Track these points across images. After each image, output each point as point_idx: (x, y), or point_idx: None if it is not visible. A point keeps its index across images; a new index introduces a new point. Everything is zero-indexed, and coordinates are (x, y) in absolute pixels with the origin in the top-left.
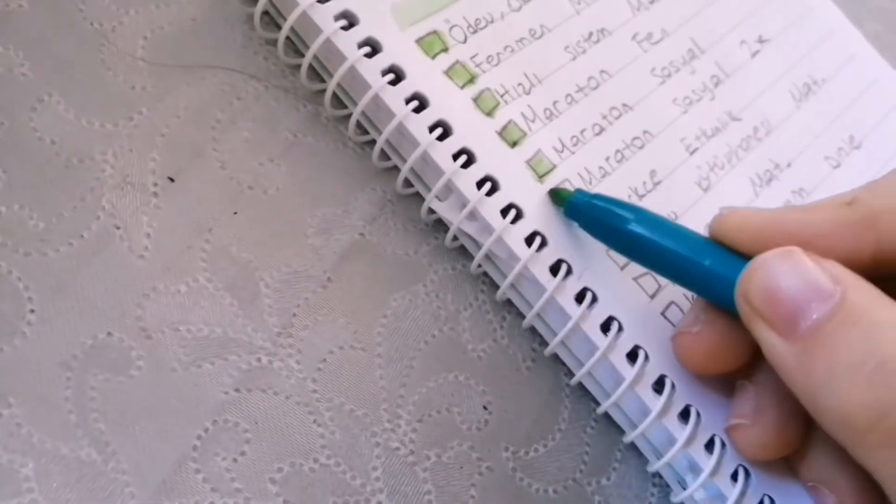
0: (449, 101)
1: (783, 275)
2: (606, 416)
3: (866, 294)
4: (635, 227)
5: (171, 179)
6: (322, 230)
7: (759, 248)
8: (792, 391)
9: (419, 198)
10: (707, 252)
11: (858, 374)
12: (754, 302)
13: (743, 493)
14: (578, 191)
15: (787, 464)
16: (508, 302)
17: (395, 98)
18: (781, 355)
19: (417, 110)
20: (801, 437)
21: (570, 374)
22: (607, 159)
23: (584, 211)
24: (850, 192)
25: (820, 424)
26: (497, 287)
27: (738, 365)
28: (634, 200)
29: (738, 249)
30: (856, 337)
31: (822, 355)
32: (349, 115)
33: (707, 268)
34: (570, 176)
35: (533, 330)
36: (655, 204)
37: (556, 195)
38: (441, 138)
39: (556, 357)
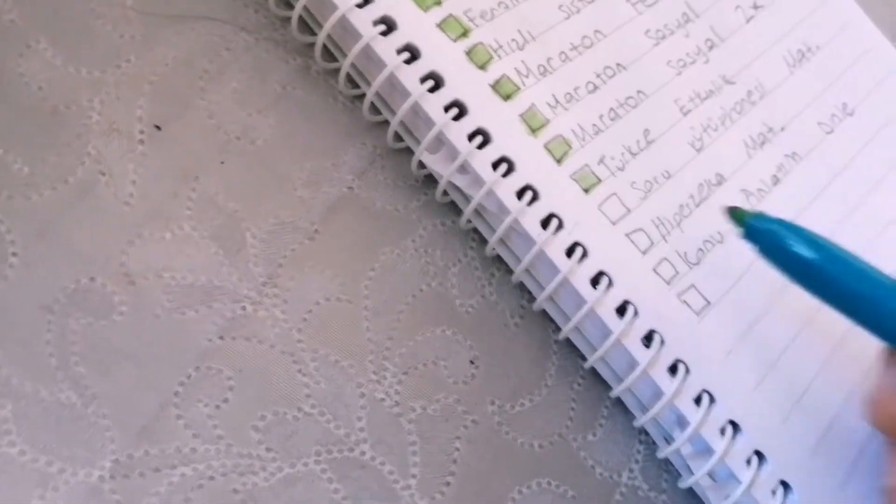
0: (441, 54)
1: None
2: (594, 372)
3: None
4: (824, 264)
5: (158, 128)
6: (310, 182)
7: None
8: None
9: (410, 153)
10: None
11: None
12: None
13: (731, 448)
14: (759, 214)
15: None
16: (498, 258)
17: (386, 49)
18: None
19: (409, 62)
20: None
21: (559, 330)
22: (601, 117)
23: (764, 236)
24: None
25: None
26: (487, 244)
27: None
28: (627, 158)
29: None
30: None
31: None
32: (340, 69)
33: None
34: (563, 132)
35: (522, 286)
36: (649, 162)
37: (735, 214)
38: (433, 90)
39: (544, 313)
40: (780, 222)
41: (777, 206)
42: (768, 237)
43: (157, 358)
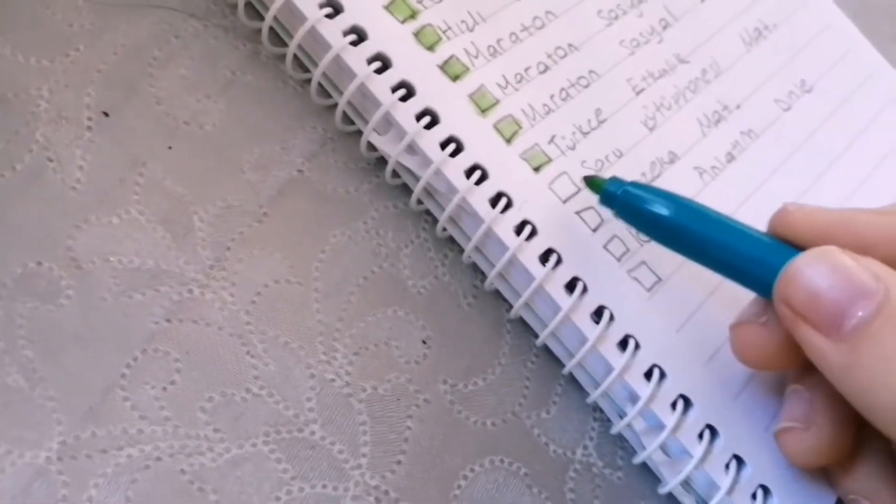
0: (389, 35)
1: (823, 275)
2: (548, 350)
3: None
4: (679, 219)
5: (106, 114)
6: (259, 166)
7: None
8: (840, 392)
9: (361, 136)
10: (760, 245)
11: None
12: (795, 304)
13: (682, 423)
14: (613, 179)
15: (825, 475)
16: (451, 240)
17: (332, 31)
18: (827, 356)
19: (356, 44)
20: (852, 444)
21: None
22: (552, 97)
23: (620, 199)
24: None
25: (874, 423)
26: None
27: (800, 362)
28: (579, 137)
29: (799, 246)
30: None
31: (871, 352)
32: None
33: (761, 263)
34: (513, 112)
35: (475, 267)
36: (600, 141)
37: (592, 183)
38: (380, 72)
39: (497, 293)
40: (634, 184)
41: (732, 183)
42: (623, 199)
43: (104, 341)
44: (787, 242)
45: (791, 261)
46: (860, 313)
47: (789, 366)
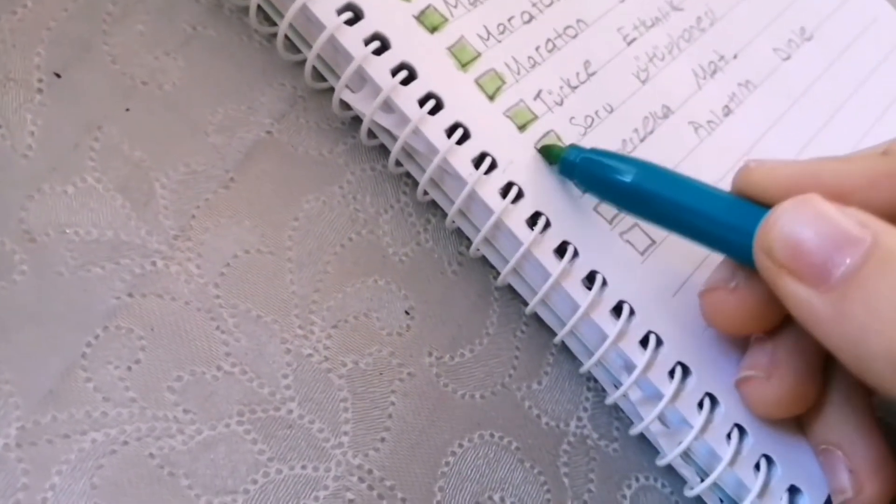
0: None
1: (806, 224)
2: (538, 319)
3: None
4: (643, 184)
5: (58, 75)
6: (224, 128)
7: None
8: (825, 344)
9: (333, 94)
10: (727, 206)
11: None
12: (778, 255)
13: (681, 391)
14: (572, 146)
15: (797, 424)
16: (433, 204)
17: None
18: (813, 307)
19: None
20: (816, 396)
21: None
22: (537, 49)
23: (580, 168)
24: (884, 143)
25: (864, 374)
26: None
27: (772, 325)
28: (567, 92)
29: (766, 204)
30: None
31: (861, 300)
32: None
33: (730, 224)
34: (496, 65)
35: (460, 233)
36: (590, 95)
37: (548, 152)
38: (350, 23)
39: (484, 260)
40: (594, 150)
41: (729, 137)
42: (583, 166)
43: (62, 318)
44: (754, 202)
45: (772, 211)
46: (847, 260)
47: (759, 329)
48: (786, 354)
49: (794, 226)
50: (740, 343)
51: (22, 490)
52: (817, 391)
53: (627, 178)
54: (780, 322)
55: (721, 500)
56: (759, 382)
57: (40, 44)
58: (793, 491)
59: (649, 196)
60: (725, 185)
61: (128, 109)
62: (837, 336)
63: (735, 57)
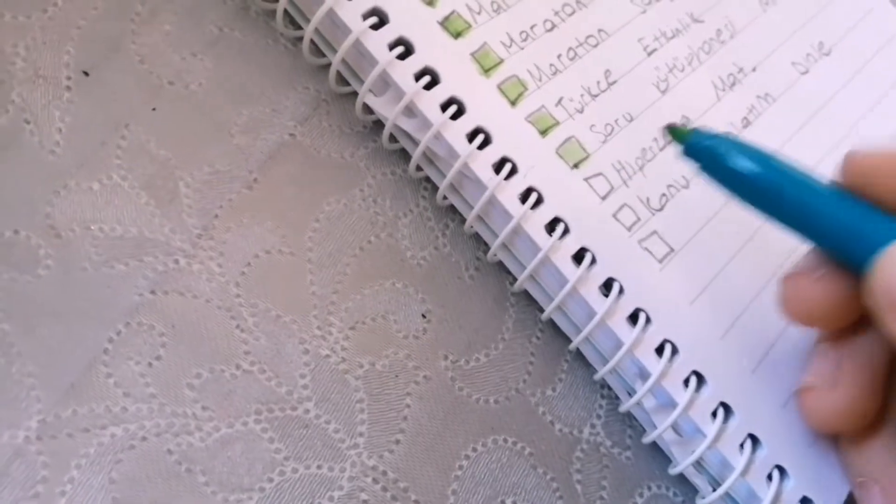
0: None
1: None
2: (553, 325)
3: None
4: (766, 178)
5: (86, 73)
6: (248, 129)
7: None
8: None
9: (356, 98)
10: (841, 207)
11: None
12: (890, 297)
13: (695, 400)
14: (695, 131)
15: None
16: (452, 208)
17: None
18: None
19: None
20: (874, 415)
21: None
22: (559, 57)
23: (704, 154)
24: None
25: None
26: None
27: (844, 323)
28: (587, 100)
29: (876, 196)
30: None
31: None
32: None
33: (845, 227)
34: (518, 72)
35: (478, 238)
36: (610, 103)
37: (674, 133)
38: (376, 27)
39: (501, 265)
40: (720, 137)
41: None
42: (708, 153)
43: (85, 314)
44: (866, 195)
45: (887, 248)
46: None
47: (833, 326)
48: (851, 365)
49: None
50: (757, 351)
51: (42, 483)
52: (877, 410)
53: (750, 169)
54: (851, 323)
55: None
56: (822, 392)
57: (70, 42)
58: (805, 502)
59: (774, 191)
60: None
61: (154, 109)
62: None
63: (754, 70)
